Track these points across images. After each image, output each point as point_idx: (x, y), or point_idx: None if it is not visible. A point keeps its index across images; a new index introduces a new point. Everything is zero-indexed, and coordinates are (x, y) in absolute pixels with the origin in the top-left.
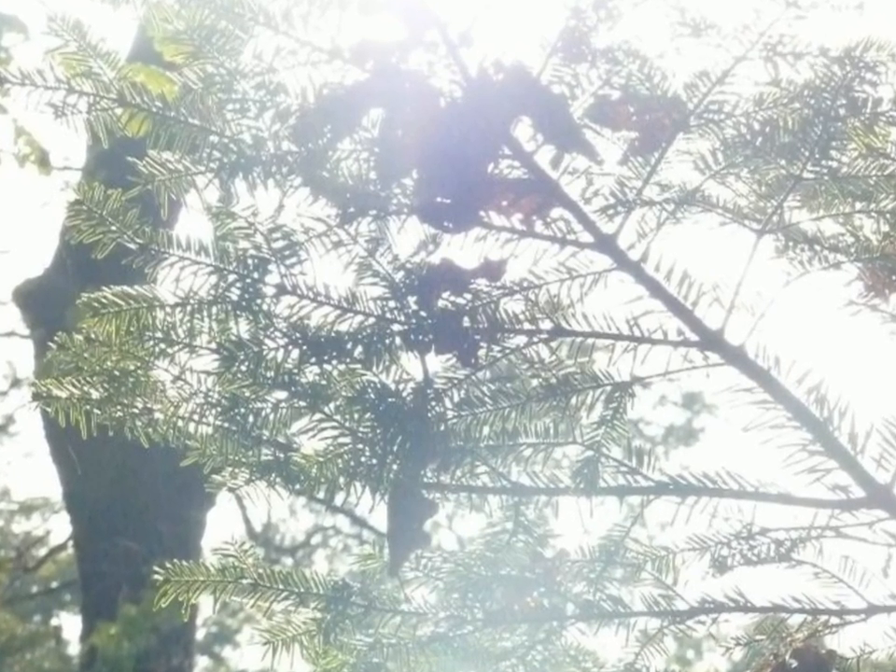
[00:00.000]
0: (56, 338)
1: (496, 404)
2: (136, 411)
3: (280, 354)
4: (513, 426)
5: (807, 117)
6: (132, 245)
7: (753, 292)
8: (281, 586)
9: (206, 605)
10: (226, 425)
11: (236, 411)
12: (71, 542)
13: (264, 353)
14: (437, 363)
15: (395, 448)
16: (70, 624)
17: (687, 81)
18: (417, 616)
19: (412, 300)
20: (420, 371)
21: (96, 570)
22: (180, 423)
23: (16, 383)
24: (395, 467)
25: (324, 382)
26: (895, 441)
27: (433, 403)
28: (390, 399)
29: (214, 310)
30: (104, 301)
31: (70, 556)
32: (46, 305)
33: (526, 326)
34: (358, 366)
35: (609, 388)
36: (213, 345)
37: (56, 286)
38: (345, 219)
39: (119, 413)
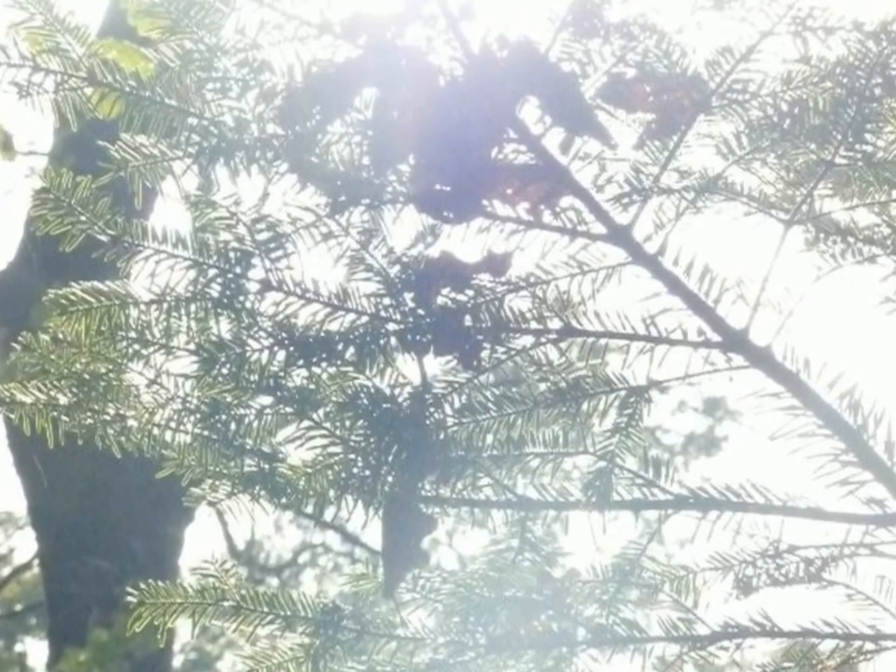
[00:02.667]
0: (20, 338)
1: (500, 410)
2: (108, 417)
3: (265, 355)
4: (519, 434)
5: (840, 97)
6: (103, 237)
7: (781, 288)
8: (266, 609)
9: (184, 629)
10: (206, 433)
11: (217, 417)
12: (36, 561)
13: (247, 354)
14: (436, 366)
15: (390, 458)
16: (36, 650)
17: (708, 58)
18: (414, 642)
19: (408, 296)
20: (417, 374)
21: (64, 591)
22: (156, 431)
23: None
24: (390, 479)
25: (312, 386)
26: None
27: (432, 409)
28: (385, 405)
29: (192, 307)
30: (72, 297)
31: (35, 576)
32: (9, 302)
33: (533, 325)
34: (350, 369)
35: (623, 393)
36: (191, 346)
37: (20, 281)
38: (336, 209)
39: (90, 420)
